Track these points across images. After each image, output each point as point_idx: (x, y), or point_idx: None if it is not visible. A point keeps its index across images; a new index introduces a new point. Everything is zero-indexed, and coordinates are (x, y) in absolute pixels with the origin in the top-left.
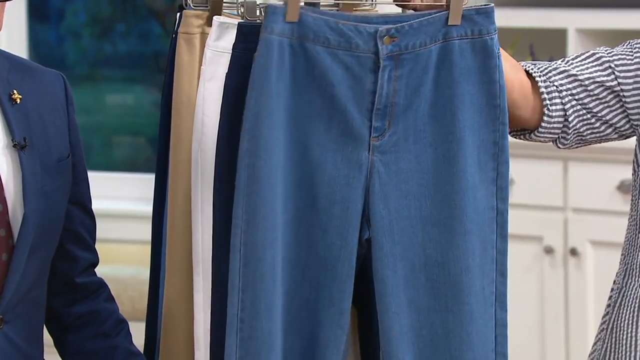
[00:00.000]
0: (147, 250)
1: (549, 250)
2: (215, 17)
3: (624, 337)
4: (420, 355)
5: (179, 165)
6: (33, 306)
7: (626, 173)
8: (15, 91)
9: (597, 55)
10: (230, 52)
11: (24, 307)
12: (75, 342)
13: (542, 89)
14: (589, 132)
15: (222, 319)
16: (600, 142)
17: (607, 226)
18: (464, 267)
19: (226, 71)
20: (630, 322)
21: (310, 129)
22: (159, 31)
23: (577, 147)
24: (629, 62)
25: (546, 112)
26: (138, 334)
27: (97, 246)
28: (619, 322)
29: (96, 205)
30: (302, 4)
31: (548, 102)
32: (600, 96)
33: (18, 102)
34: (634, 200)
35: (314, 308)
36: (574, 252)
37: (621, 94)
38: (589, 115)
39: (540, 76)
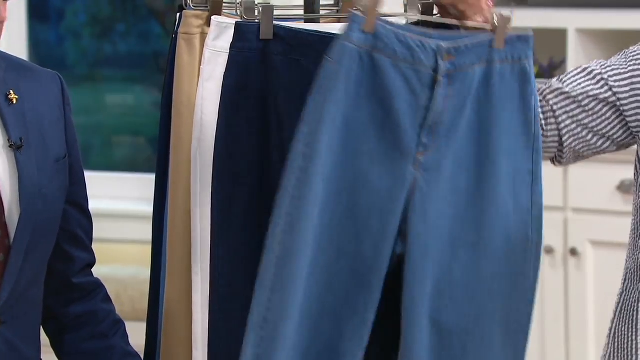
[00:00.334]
0: (147, 250)
1: (549, 250)
2: (213, 17)
3: (625, 341)
4: None
5: (180, 165)
6: (30, 306)
7: (626, 173)
8: (11, 91)
9: (589, 70)
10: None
11: (21, 307)
12: (72, 343)
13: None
14: (585, 149)
15: (220, 319)
16: (598, 155)
17: (607, 226)
18: (488, 290)
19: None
20: (630, 326)
21: (363, 138)
22: (159, 31)
23: (574, 163)
24: (623, 71)
25: (542, 132)
26: (138, 334)
27: (97, 246)
28: (620, 326)
29: (96, 205)
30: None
31: (543, 122)
32: (595, 110)
33: (14, 102)
34: (635, 204)
35: (337, 316)
36: (574, 252)
37: (618, 103)
38: (584, 132)
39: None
